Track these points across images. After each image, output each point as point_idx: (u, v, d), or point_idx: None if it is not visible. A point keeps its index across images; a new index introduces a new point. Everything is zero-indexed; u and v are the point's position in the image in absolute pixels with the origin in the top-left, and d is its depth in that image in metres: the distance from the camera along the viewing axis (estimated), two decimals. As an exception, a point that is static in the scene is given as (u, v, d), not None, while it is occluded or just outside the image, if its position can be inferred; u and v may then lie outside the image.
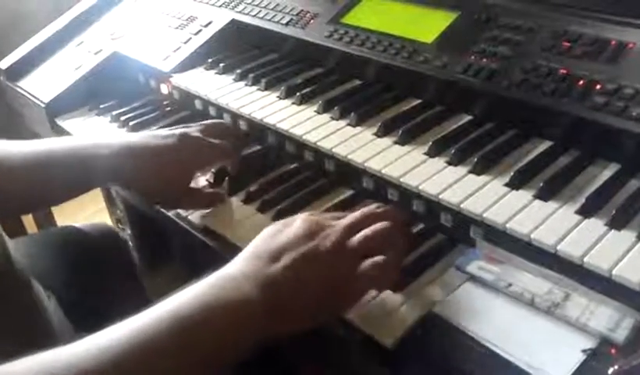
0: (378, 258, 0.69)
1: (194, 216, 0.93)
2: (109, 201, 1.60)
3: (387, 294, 0.73)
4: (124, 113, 1.21)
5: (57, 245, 1.13)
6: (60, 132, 1.24)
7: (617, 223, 0.71)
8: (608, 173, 0.80)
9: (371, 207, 0.77)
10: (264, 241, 0.69)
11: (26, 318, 0.85)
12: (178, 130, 0.94)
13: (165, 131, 0.95)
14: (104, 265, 1.11)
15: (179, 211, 0.95)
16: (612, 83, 0.83)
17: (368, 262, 0.68)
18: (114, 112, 1.21)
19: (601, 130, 0.82)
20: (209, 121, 1.01)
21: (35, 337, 0.82)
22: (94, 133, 1.19)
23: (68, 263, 1.07)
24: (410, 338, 0.68)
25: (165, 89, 1.24)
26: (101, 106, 1.25)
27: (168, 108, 1.22)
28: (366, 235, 0.70)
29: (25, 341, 0.63)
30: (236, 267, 0.67)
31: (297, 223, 0.70)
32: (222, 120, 1.04)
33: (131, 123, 1.17)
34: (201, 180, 0.99)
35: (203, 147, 0.93)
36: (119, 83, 1.30)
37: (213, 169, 0.99)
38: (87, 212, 2.13)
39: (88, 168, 0.91)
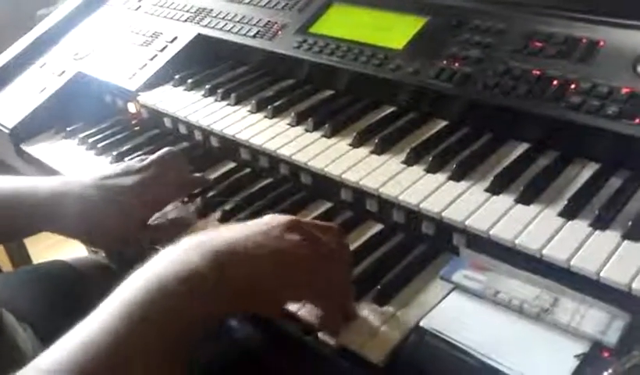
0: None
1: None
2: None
3: (372, 309, 0.72)
4: (92, 135, 1.18)
5: (41, 280, 1.09)
6: (26, 158, 1.20)
7: (601, 223, 0.70)
8: (588, 172, 0.79)
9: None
10: (230, 225, 0.70)
11: None
12: (119, 178, 0.90)
13: (104, 176, 0.91)
14: (93, 298, 1.08)
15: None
16: (586, 82, 0.83)
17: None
18: (81, 135, 1.18)
19: (578, 130, 0.81)
20: (160, 153, 0.94)
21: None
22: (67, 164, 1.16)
23: (53, 298, 1.04)
24: (400, 353, 0.66)
25: (132, 108, 1.21)
26: (68, 129, 1.22)
27: (137, 128, 1.19)
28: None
29: None
30: (193, 239, 0.65)
31: (266, 218, 0.69)
32: (169, 148, 0.97)
33: (100, 145, 1.14)
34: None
35: (154, 192, 0.90)
36: (85, 104, 1.27)
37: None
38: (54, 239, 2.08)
39: (25, 213, 0.88)
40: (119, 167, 0.93)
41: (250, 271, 0.64)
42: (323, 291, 0.69)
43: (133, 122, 1.22)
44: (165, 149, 0.96)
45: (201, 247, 0.63)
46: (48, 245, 1.82)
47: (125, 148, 1.11)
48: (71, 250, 1.54)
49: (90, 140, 1.16)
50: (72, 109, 1.26)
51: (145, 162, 0.92)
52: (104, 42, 1.35)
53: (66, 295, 1.05)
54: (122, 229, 0.88)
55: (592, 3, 0.92)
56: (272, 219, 0.69)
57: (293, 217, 0.70)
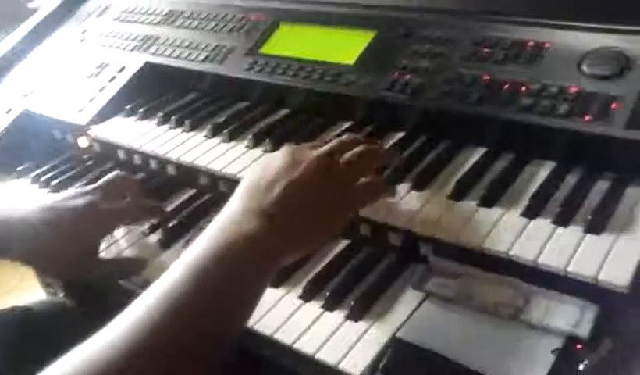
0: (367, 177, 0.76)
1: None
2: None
3: (347, 325, 0.72)
4: (44, 173, 1.15)
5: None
6: (-24, 200, 1.17)
7: (563, 219, 0.72)
8: (545, 172, 0.81)
9: (345, 136, 0.81)
10: (253, 180, 0.71)
11: None
12: (68, 202, 0.90)
13: (53, 201, 0.91)
14: (56, 341, 1.05)
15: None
16: (536, 83, 0.85)
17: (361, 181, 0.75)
18: (33, 174, 1.16)
19: (532, 131, 0.83)
20: (107, 178, 0.96)
21: None
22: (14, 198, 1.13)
23: (14, 344, 1.01)
24: (379, 366, 0.66)
25: (83, 143, 1.19)
26: (19, 168, 1.19)
27: (90, 162, 1.17)
28: (348, 155, 0.75)
29: None
30: (235, 207, 0.68)
31: (280, 156, 0.73)
32: (117, 172, 0.99)
33: (52, 183, 1.12)
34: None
35: (102, 214, 0.90)
36: (34, 142, 1.24)
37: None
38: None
39: None
40: (67, 192, 0.93)
41: (299, 217, 0.68)
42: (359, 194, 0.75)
43: (86, 156, 1.19)
44: (114, 172, 0.97)
45: (250, 211, 0.67)
46: (5, 291, 1.78)
47: (79, 184, 1.09)
48: (29, 295, 1.50)
49: (43, 178, 1.14)
50: (22, 148, 1.23)
51: (94, 185, 0.94)
52: (49, 77, 1.33)
53: (27, 341, 1.02)
54: (74, 252, 0.87)
55: (536, 7, 0.95)
56: (293, 159, 0.72)
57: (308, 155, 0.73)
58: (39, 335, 1.05)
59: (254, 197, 0.68)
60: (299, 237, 0.69)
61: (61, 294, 1.43)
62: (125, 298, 0.92)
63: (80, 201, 0.90)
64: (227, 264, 0.62)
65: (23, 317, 1.09)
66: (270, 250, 0.65)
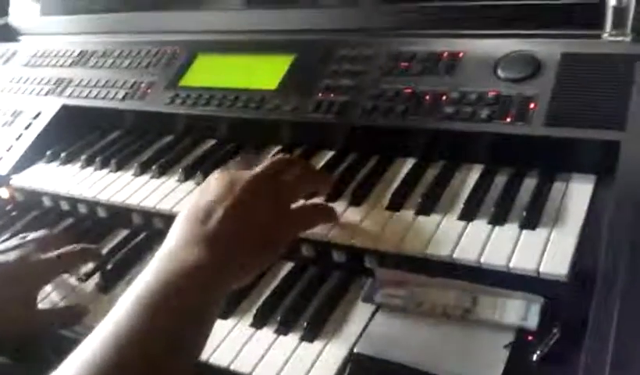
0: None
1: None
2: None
3: (302, 347, 0.72)
4: (-37, 232, 1.11)
5: None
6: None
7: (499, 219, 0.75)
8: (475, 175, 0.85)
9: (277, 156, 0.83)
10: (190, 210, 0.70)
11: None
12: (7, 256, 0.88)
13: None
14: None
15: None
16: (455, 91, 0.89)
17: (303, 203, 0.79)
18: (-48, 234, 1.10)
19: (457, 138, 0.86)
20: (38, 233, 0.94)
21: None
22: None
23: None
24: (341, 383, 0.67)
25: (4, 193, 1.15)
26: (-64, 229, 1.13)
27: (14, 213, 1.13)
28: (287, 174, 0.76)
29: None
30: (174, 240, 0.67)
31: (213, 181, 0.73)
32: (46, 231, 0.97)
33: (-25, 239, 1.07)
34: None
35: (36, 265, 0.87)
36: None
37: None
38: None
39: None
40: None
41: (241, 240, 0.68)
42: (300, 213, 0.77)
43: (8, 208, 1.15)
44: (41, 231, 0.95)
45: (191, 241, 0.66)
46: None
47: (3, 237, 1.05)
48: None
49: (-35, 235, 1.09)
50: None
51: (24, 240, 0.91)
52: (-41, 130, 1.28)
53: None
54: (11, 307, 0.84)
55: (445, 21, 0.99)
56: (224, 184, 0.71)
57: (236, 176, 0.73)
58: None
59: (192, 227, 0.68)
60: (243, 260, 0.68)
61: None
62: (65, 345, 0.90)
63: (11, 255, 0.87)
64: (174, 297, 0.61)
65: None
66: (215, 277, 0.65)
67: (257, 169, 0.75)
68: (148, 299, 0.60)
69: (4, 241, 1.03)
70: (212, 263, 0.64)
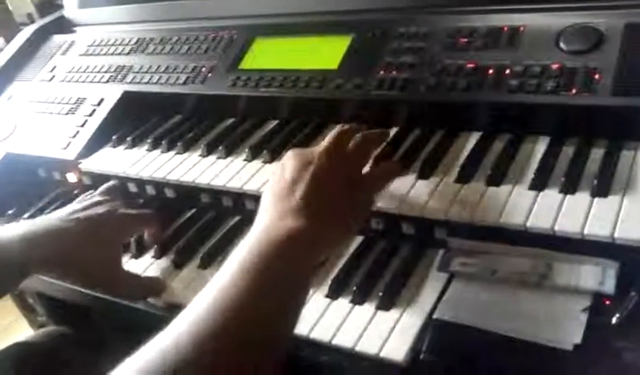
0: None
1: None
2: (26, 308, 1.50)
3: (379, 315, 0.74)
4: (35, 214, 1.14)
5: (3, 367, 1.05)
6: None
7: (570, 187, 0.76)
8: (542, 146, 0.86)
9: (339, 127, 0.86)
10: (272, 191, 0.75)
11: None
12: (87, 210, 0.94)
13: (71, 211, 0.94)
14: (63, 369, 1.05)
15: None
16: (518, 65, 0.90)
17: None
18: (26, 215, 1.15)
19: (523, 110, 0.87)
20: (101, 189, 1.04)
21: None
22: None
23: None
24: (422, 348, 0.69)
25: (72, 178, 1.18)
26: (9, 212, 1.18)
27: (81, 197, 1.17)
28: (352, 143, 0.81)
29: None
30: (267, 218, 0.71)
31: (288, 161, 0.77)
32: (112, 183, 1.08)
33: (48, 221, 1.11)
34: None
35: (122, 218, 0.95)
36: (17, 185, 1.23)
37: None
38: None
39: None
40: (73, 207, 0.97)
41: (330, 203, 0.73)
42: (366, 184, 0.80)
43: (75, 192, 1.19)
44: (104, 186, 1.05)
45: (284, 215, 0.70)
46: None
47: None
48: (27, 330, 1.49)
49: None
50: (6, 193, 1.22)
51: (94, 199, 0.99)
52: (24, 119, 1.32)
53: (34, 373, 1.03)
54: (97, 256, 0.90)
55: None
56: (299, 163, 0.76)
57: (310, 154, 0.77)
58: (42, 368, 1.05)
59: (282, 202, 0.72)
60: (337, 221, 0.73)
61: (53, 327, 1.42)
62: (114, 315, 0.94)
63: (99, 209, 0.94)
64: (281, 262, 0.66)
65: (25, 352, 1.09)
66: (315, 239, 0.70)
67: (324, 143, 0.79)
68: (252, 266, 0.65)
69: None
70: (311, 225, 0.69)
